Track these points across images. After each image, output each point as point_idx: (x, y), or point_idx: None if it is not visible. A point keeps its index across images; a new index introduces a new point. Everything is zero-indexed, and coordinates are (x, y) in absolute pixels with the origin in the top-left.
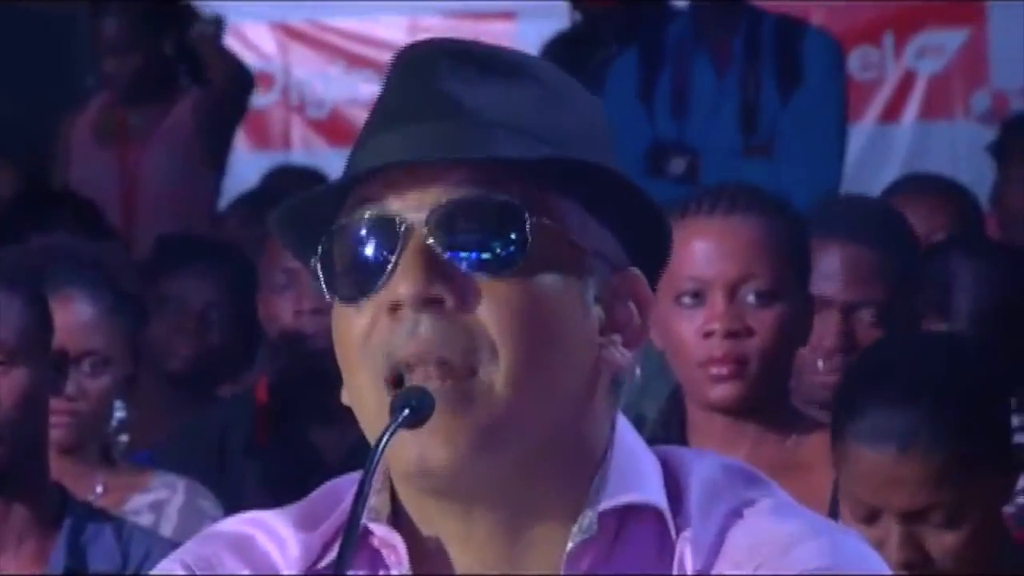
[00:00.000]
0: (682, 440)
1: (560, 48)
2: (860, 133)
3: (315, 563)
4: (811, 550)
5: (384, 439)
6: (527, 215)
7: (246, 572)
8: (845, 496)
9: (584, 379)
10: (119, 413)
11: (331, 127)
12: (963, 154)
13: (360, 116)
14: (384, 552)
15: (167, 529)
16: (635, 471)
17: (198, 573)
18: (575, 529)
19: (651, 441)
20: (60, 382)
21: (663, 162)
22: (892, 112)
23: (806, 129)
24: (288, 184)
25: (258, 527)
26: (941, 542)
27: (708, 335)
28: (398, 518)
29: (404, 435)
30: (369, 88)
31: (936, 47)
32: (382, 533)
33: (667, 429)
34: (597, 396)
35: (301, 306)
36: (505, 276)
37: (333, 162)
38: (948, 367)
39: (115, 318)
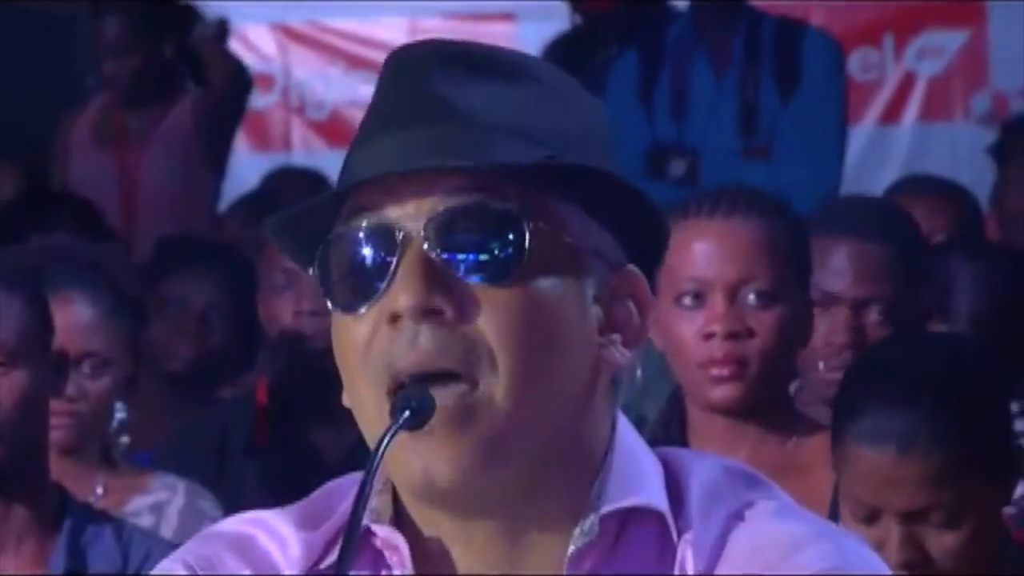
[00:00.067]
0: (682, 441)
1: (560, 50)
2: (860, 134)
3: (317, 563)
4: (814, 553)
5: (385, 440)
6: (525, 222)
7: (247, 572)
8: (845, 497)
9: (584, 381)
10: (119, 414)
11: (331, 128)
12: (963, 155)
13: (360, 117)
14: (387, 553)
15: (167, 531)
16: (636, 473)
17: (200, 573)
18: (577, 532)
19: (651, 442)
20: (60, 383)
21: (663, 164)
22: (892, 113)
23: (806, 130)
24: (288, 185)
25: (259, 527)
26: (941, 542)
27: (708, 336)
28: (400, 519)
29: (407, 447)
30: (369, 89)
31: (936, 48)
32: (384, 534)
33: (667, 430)
34: (597, 396)
35: (300, 307)
36: (504, 284)
37: (333, 163)
38: (948, 368)
39: (115, 319)
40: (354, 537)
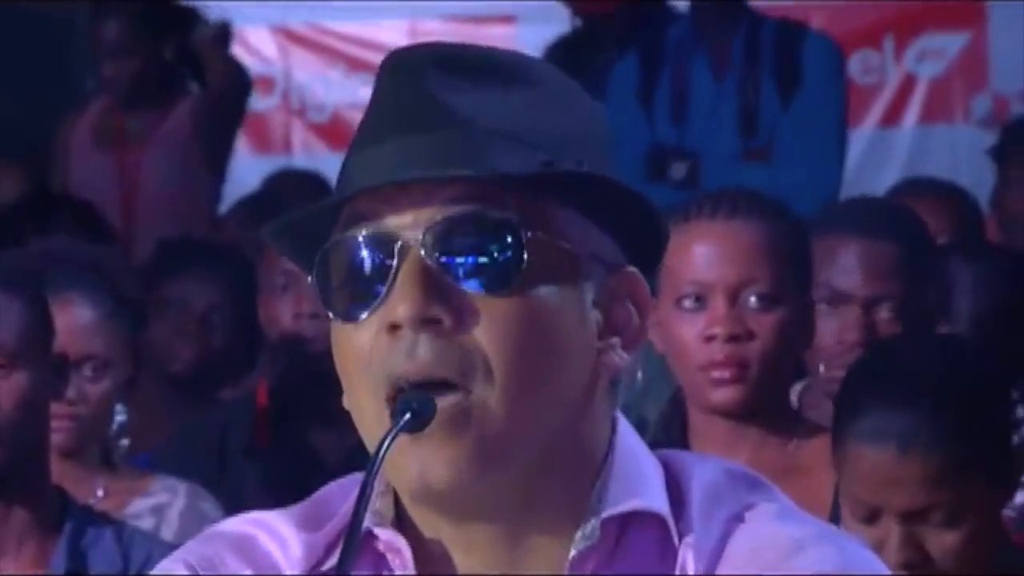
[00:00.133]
0: (683, 443)
1: (561, 52)
2: (860, 137)
3: (317, 565)
4: (814, 555)
5: (387, 442)
6: (524, 231)
7: (249, 572)
8: (846, 496)
9: (582, 385)
10: (120, 417)
11: (332, 131)
12: (963, 158)
13: (360, 120)
14: (389, 556)
15: (168, 533)
16: (637, 476)
17: (201, 573)
18: (578, 536)
19: (652, 444)
20: (61, 386)
21: (664, 166)
22: (892, 116)
23: (806, 133)
24: (289, 187)
25: (260, 527)
26: (941, 542)
27: (709, 339)
28: (402, 522)
29: (405, 449)
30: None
31: (937, 51)
32: (387, 537)
33: (668, 432)
34: (596, 400)
35: (301, 309)
36: (502, 293)
37: (334, 166)
38: (949, 368)
39: (115, 322)
40: (355, 539)
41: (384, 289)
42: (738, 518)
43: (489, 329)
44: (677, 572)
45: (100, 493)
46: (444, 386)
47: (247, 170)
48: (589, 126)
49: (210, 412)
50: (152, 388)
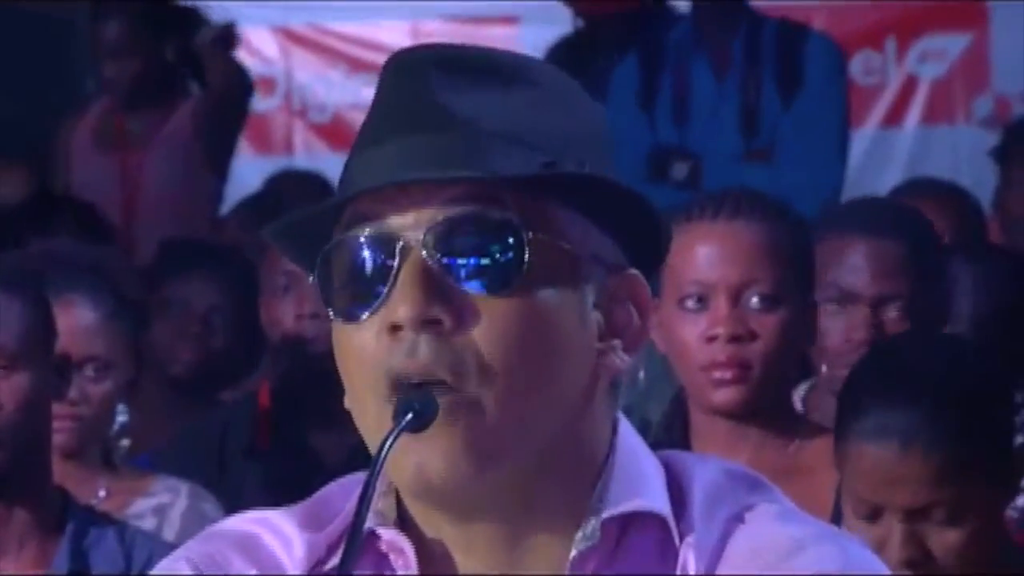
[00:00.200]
0: (685, 444)
1: (563, 53)
2: (862, 138)
3: (319, 565)
4: (814, 555)
5: (389, 441)
6: (524, 232)
7: (252, 571)
8: (847, 495)
9: (582, 387)
10: (121, 417)
11: (333, 131)
12: (965, 158)
13: (362, 121)
14: (391, 556)
15: (170, 533)
16: (638, 476)
17: (204, 572)
18: (579, 536)
19: (654, 445)
20: (63, 387)
21: (665, 167)
22: (894, 117)
23: (808, 133)
24: (290, 188)
25: (263, 526)
26: (943, 540)
27: (711, 339)
28: (404, 522)
29: (405, 445)
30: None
31: (938, 51)
32: (389, 537)
33: (670, 433)
34: (596, 401)
35: (302, 310)
36: (503, 294)
37: (335, 166)
38: (950, 368)
39: (116, 323)
40: (357, 539)
41: (385, 289)
42: (738, 518)
43: (490, 329)
44: (678, 572)
45: (102, 493)
46: (444, 386)
47: (248, 171)
48: (590, 127)
49: (211, 413)
50: (153, 389)
